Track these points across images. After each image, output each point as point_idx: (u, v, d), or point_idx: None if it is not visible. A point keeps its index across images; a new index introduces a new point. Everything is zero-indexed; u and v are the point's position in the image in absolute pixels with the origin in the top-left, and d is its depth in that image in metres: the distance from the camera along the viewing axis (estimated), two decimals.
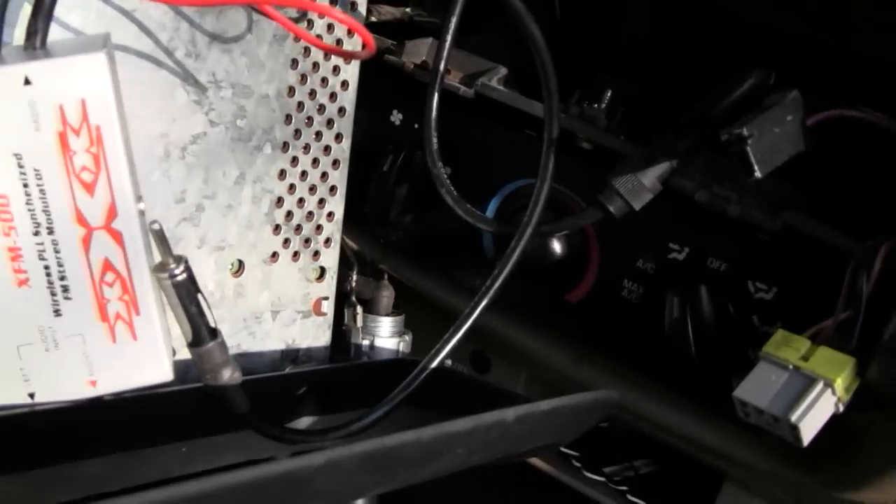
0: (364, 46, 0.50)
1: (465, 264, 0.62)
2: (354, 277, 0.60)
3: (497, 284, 0.50)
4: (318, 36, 0.53)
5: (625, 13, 0.62)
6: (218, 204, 0.50)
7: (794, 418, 0.43)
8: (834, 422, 0.44)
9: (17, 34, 0.41)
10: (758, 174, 0.43)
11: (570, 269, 0.58)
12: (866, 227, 0.46)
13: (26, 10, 0.40)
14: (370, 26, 0.62)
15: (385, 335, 0.59)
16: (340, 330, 0.59)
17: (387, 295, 0.60)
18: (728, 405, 0.45)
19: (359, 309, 0.59)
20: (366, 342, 0.59)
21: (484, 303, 0.50)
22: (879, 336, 0.44)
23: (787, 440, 0.44)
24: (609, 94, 0.54)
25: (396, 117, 0.64)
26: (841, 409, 0.44)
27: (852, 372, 0.44)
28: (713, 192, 0.49)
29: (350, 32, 0.55)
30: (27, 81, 0.37)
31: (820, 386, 0.43)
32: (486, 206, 0.60)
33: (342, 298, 0.59)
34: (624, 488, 0.64)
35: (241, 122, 0.51)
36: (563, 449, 0.64)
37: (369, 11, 0.62)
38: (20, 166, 0.38)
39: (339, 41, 0.54)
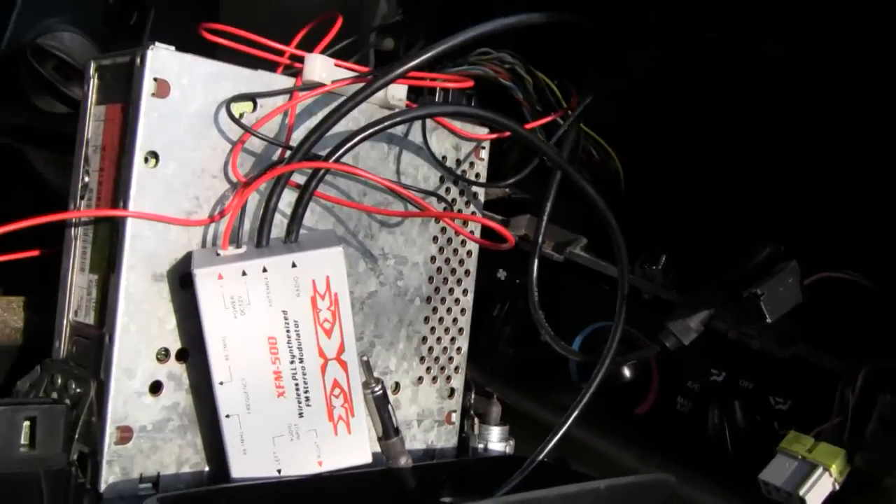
0: (505, 241, 0.71)
1: (555, 386, 0.80)
2: (472, 396, 0.79)
3: (584, 401, 0.68)
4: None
5: (673, 191, 0.82)
6: (384, 342, 0.70)
7: (801, 492, 0.60)
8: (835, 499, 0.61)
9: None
10: (769, 320, 0.62)
11: (638, 389, 0.76)
12: (855, 353, 0.64)
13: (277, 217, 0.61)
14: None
15: (495, 440, 0.77)
16: (461, 436, 0.78)
17: (496, 410, 0.78)
18: (758, 489, 0.63)
19: (476, 420, 0.78)
20: (480, 446, 0.77)
21: (575, 414, 0.68)
22: (863, 434, 0.61)
23: None
24: (664, 259, 0.74)
25: (502, 274, 0.84)
26: (837, 487, 0.61)
27: (844, 460, 0.61)
28: (741, 331, 0.67)
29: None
30: (293, 265, 0.58)
31: (820, 470, 0.61)
32: (573, 342, 0.79)
33: (463, 412, 0.78)
34: None
35: (400, 283, 0.71)
36: None
37: None
38: (286, 319, 0.58)
39: (465, 223, 0.75)
